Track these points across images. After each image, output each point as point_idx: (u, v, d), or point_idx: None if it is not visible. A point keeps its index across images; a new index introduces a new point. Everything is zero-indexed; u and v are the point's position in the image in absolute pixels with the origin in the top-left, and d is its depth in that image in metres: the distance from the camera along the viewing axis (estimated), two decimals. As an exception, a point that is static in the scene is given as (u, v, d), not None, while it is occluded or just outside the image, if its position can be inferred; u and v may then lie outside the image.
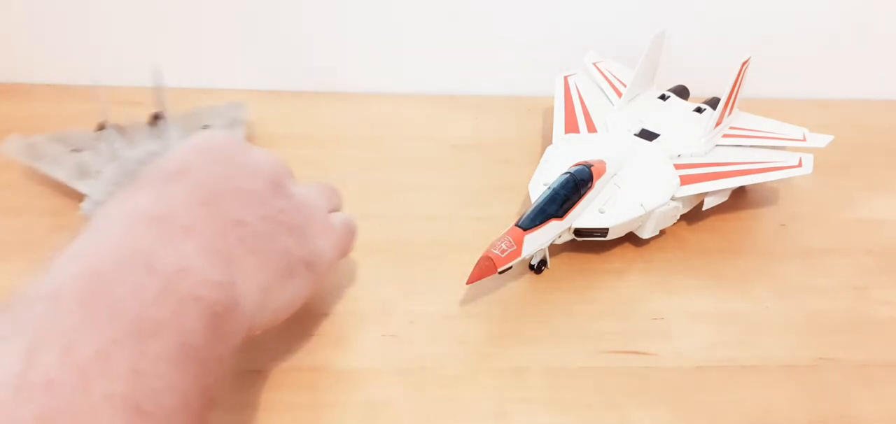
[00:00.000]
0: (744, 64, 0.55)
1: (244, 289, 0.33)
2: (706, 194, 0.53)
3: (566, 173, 0.49)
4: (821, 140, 0.56)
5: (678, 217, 0.52)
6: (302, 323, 0.43)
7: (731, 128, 0.57)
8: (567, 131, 0.57)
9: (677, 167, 0.52)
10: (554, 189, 0.47)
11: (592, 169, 0.49)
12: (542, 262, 0.48)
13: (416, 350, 0.43)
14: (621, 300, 0.47)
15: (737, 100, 0.57)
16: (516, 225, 0.45)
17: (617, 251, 0.51)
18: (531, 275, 0.48)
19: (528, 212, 0.46)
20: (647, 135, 0.55)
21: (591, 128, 0.58)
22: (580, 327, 0.45)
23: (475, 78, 0.70)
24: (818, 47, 0.71)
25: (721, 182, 0.52)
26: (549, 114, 0.60)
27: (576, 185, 0.48)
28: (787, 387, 0.42)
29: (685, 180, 0.52)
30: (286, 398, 0.39)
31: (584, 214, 0.48)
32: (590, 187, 0.48)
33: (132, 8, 0.66)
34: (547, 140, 0.59)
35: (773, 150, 0.56)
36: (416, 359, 0.42)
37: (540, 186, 0.50)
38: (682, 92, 0.62)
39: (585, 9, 0.68)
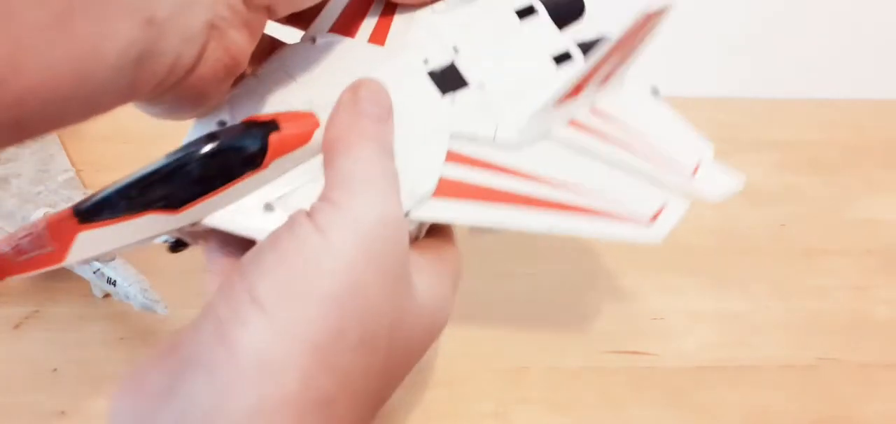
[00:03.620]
0: (650, 15, 0.32)
1: None
2: (463, 224, 0.31)
3: (212, 135, 0.27)
4: (720, 184, 0.35)
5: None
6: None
7: (594, 112, 0.34)
8: (339, 27, 0.33)
9: (456, 157, 0.31)
10: (180, 156, 0.26)
11: (276, 136, 0.27)
12: (178, 243, 0.29)
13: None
14: (621, 300, 0.47)
15: (622, 68, 0.35)
16: (73, 209, 0.26)
17: (616, 251, 0.51)
18: (531, 275, 0.48)
19: (107, 189, 0.26)
20: (449, 78, 0.32)
21: (381, 35, 0.33)
22: (580, 327, 0.45)
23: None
24: (818, 47, 0.71)
25: (499, 212, 0.30)
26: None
27: (227, 160, 0.27)
28: (787, 387, 0.42)
29: (447, 189, 0.30)
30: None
31: (237, 206, 0.27)
32: (258, 168, 0.27)
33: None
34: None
35: (635, 177, 0.34)
36: (416, 359, 0.42)
37: (212, 126, 0.29)
38: (569, 7, 0.36)
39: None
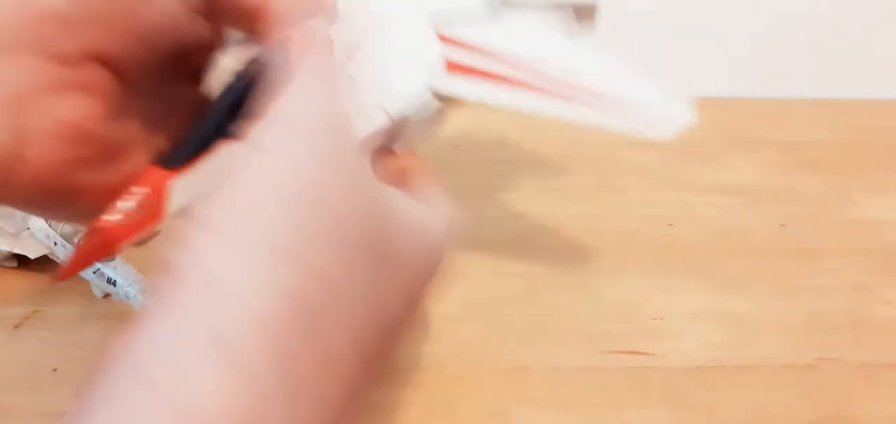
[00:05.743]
0: None
1: None
2: (483, 101, 0.33)
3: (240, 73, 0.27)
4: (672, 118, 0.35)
5: (436, 126, 0.33)
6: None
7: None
8: None
9: (445, 42, 0.32)
10: (241, 85, 0.27)
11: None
12: None
13: (417, 350, 0.43)
14: (621, 300, 0.47)
15: None
16: (158, 163, 0.26)
17: (616, 251, 0.51)
18: (530, 275, 0.48)
19: (184, 140, 0.27)
20: None
21: None
22: (580, 327, 0.45)
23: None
24: (818, 47, 0.71)
25: (512, 95, 0.33)
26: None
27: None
28: (787, 387, 0.42)
29: (458, 69, 0.32)
30: (286, 398, 0.39)
31: None
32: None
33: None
34: (553, 140, 0.58)
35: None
36: (416, 359, 0.42)
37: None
38: None
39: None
